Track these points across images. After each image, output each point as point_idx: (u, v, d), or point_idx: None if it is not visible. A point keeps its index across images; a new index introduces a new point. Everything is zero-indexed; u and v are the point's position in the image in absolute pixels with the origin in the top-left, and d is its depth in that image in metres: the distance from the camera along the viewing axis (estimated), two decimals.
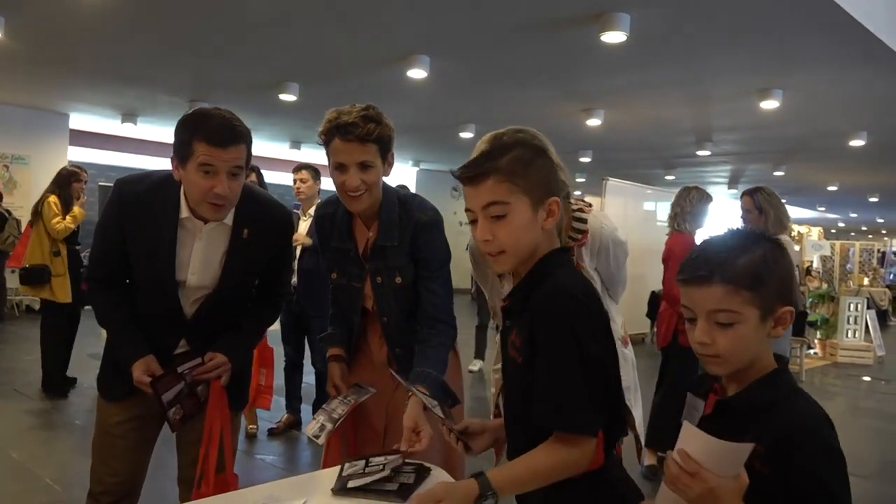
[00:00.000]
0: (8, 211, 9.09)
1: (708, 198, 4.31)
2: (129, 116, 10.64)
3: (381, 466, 1.64)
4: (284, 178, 9.15)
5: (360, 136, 1.90)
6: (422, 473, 1.65)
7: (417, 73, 6.81)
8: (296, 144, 12.60)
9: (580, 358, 1.25)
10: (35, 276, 5.44)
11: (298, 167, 4.46)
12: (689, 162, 12.95)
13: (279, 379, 4.54)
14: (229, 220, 1.97)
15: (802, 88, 7.19)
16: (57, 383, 5.54)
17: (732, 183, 15.90)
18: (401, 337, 2.11)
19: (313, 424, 2.04)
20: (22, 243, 5.96)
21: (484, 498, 1.26)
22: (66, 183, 5.56)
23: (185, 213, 1.93)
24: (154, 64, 7.36)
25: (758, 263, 1.16)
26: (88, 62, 7.47)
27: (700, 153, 11.45)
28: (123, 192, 1.99)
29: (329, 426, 2.01)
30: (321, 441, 2.02)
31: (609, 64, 6.57)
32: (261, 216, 2.03)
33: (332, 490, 1.58)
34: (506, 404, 1.46)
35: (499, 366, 2.18)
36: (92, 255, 2.11)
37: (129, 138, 12.53)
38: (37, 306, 9.49)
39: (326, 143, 1.97)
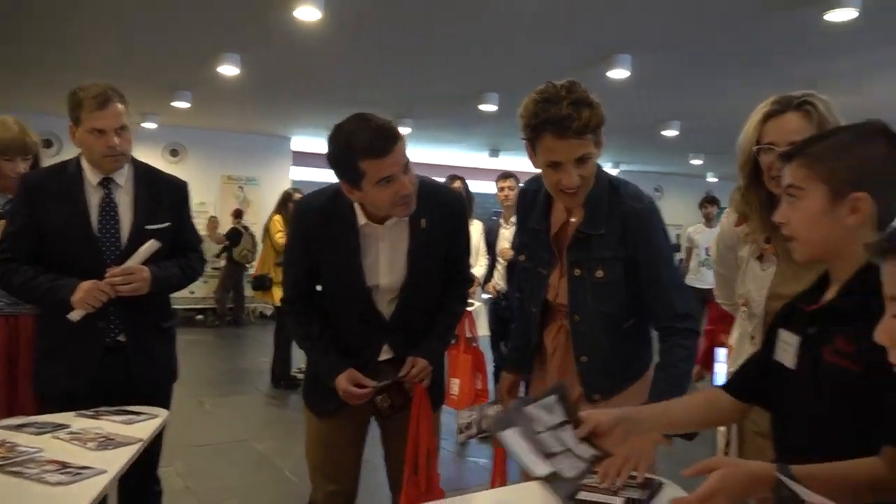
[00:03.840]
0: (245, 227, 10.24)
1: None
2: None
3: (616, 490, 1.60)
4: (483, 187, 9.41)
5: (578, 131, 1.67)
6: (654, 488, 1.60)
7: (619, 74, 6.65)
8: (494, 153, 12.83)
9: None
10: (260, 283, 6.34)
11: (505, 175, 4.54)
12: None
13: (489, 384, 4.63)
14: None
15: None
16: (284, 380, 6.14)
17: None
18: (591, 343, 1.88)
19: (466, 416, 2.08)
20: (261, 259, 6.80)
21: (780, 490, 1.07)
22: (284, 203, 6.34)
23: (362, 220, 1.97)
24: (363, 86, 7.87)
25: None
26: (307, 88, 8.16)
27: None
28: (303, 210, 2.10)
29: (474, 431, 2.03)
30: (460, 440, 2.07)
31: (833, 45, 5.97)
32: (434, 204, 2.02)
33: (561, 497, 1.57)
34: (805, 419, 1.26)
35: (735, 369, 2.02)
36: (286, 276, 2.19)
37: None
38: (269, 312, 10.57)
39: (534, 138, 1.74)
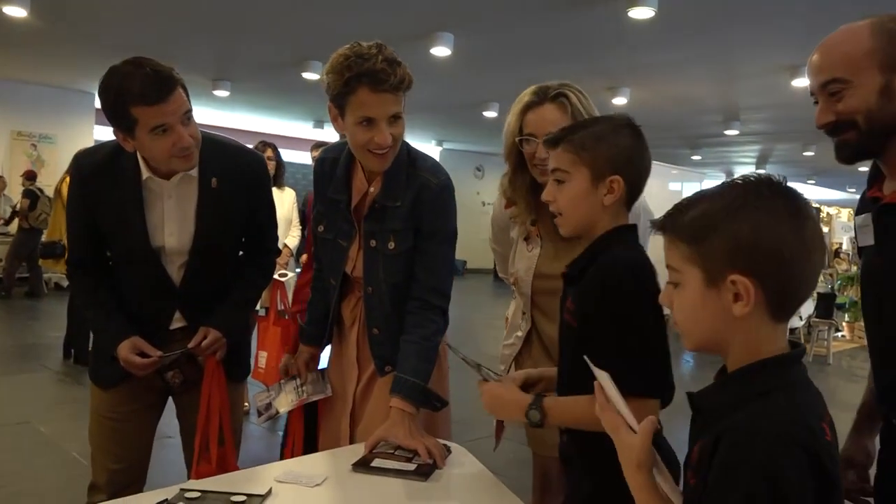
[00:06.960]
0: (40, 189, 9.25)
1: None
2: None
3: (410, 456, 1.62)
4: (308, 158, 9.18)
5: (394, 86, 1.64)
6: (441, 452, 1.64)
7: (441, 51, 6.74)
8: (319, 123, 12.57)
9: (637, 326, 1.28)
10: (50, 251, 5.66)
11: (318, 145, 4.45)
12: (715, 142, 12.74)
13: None
14: (194, 171, 1.84)
15: None
16: (81, 357, 5.67)
17: (761, 163, 15.62)
18: (382, 315, 1.87)
19: (264, 397, 2.05)
20: None
21: (531, 409, 1.36)
22: None
23: (146, 174, 1.82)
24: (177, 43, 7.36)
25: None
26: (111, 41, 7.48)
27: (727, 132, 11.25)
28: (81, 164, 1.90)
29: (273, 412, 2.02)
30: (260, 422, 2.02)
31: (636, 40, 6.45)
32: (228, 164, 1.90)
33: (352, 466, 1.57)
34: (561, 366, 1.47)
35: (510, 341, 2.12)
36: (68, 237, 2.02)
37: None
38: (65, 283, 9.66)
39: (346, 93, 1.66)
